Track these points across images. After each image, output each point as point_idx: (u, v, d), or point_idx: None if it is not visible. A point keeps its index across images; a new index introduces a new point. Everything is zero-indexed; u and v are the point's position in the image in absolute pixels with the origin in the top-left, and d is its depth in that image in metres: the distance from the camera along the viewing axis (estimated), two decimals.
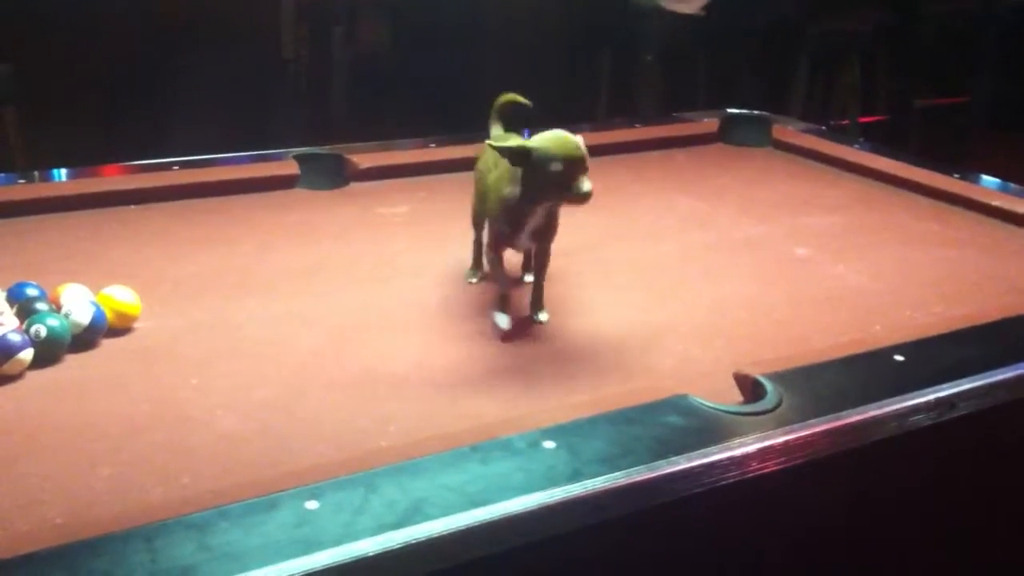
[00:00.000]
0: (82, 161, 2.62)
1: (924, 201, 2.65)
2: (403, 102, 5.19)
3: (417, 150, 2.83)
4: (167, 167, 2.59)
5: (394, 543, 1.17)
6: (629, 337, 1.89)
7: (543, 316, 1.92)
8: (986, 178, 2.73)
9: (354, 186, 2.64)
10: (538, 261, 1.93)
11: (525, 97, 2.10)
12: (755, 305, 2.04)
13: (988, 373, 1.67)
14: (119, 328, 1.82)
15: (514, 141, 1.82)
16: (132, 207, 2.43)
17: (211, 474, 1.38)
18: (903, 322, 1.90)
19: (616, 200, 2.61)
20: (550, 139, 1.75)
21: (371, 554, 1.15)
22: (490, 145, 1.82)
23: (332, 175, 2.63)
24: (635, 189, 2.75)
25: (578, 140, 1.74)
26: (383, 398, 1.63)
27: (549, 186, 1.74)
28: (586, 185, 1.71)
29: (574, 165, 1.71)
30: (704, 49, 5.46)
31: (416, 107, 5.20)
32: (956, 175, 2.73)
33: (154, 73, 4.70)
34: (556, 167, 1.71)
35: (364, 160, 2.68)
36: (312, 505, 1.22)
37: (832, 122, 6.08)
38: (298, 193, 2.59)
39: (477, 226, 2.10)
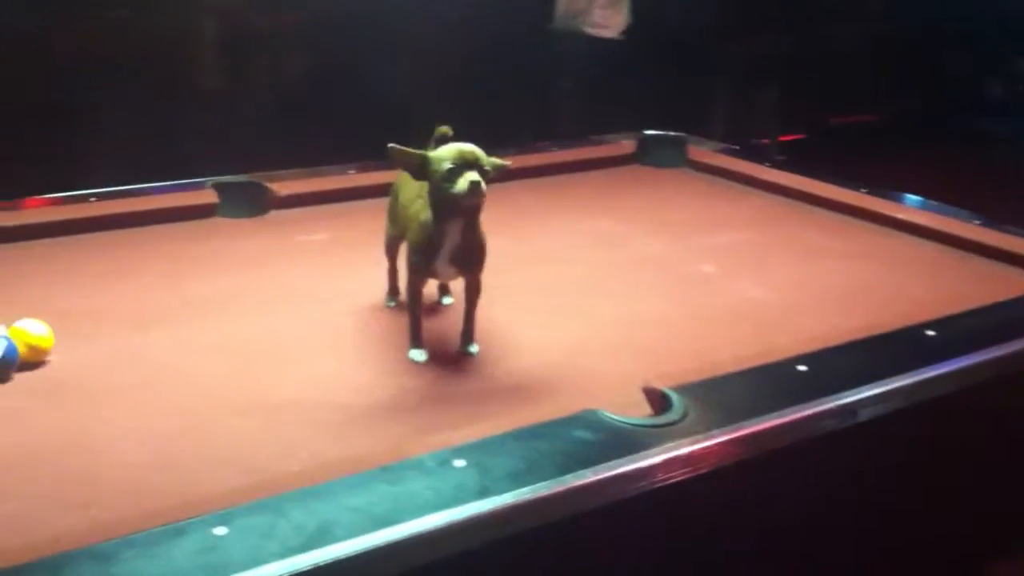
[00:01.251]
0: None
1: (830, 216, 2.74)
2: (328, 130, 5.19)
3: (337, 177, 2.84)
4: (84, 199, 2.57)
5: (301, 566, 1.18)
6: (543, 356, 1.92)
7: (474, 348, 1.92)
8: (890, 192, 2.81)
9: (274, 214, 2.65)
10: (468, 293, 1.93)
11: (448, 123, 2.10)
12: (663, 321, 2.09)
13: (887, 380, 1.73)
14: (32, 361, 1.80)
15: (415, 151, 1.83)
16: None
17: (119, 504, 1.38)
18: (804, 333, 1.95)
19: (533, 223, 2.66)
20: (446, 147, 1.79)
21: None
22: (392, 148, 1.79)
23: (251, 203, 2.64)
24: (552, 212, 2.79)
25: (474, 148, 1.77)
26: (296, 424, 1.64)
27: (442, 191, 1.76)
28: (465, 180, 1.73)
29: (462, 165, 1.74)
30: (625, 72, 5.55)
31: (340, 134, 5.20)
32: (863, 190, 2.81)
33: (75, 105, 4.65)
34: (445, 167, 1.74)
35: (283, 188, 2.69)
36: (220, 531, 1.23)
37: (753, 141, 6.22)
38: (217, 222, 2.59)
39: (391, 254, 2.11)
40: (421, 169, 1.79)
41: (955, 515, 2.00)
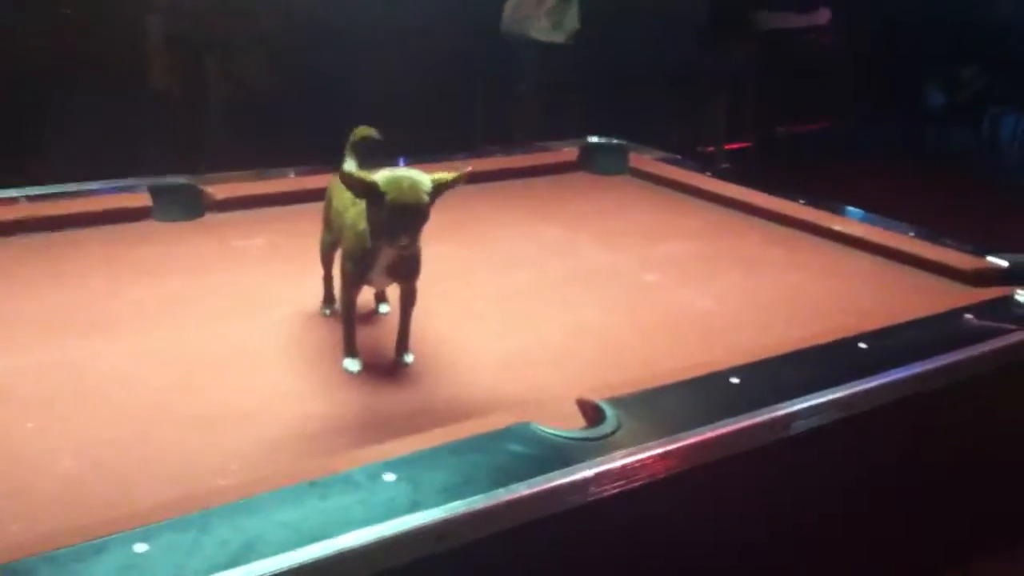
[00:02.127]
0: None
1: (772, 227, 2.76)
2: (279, 132, 5.15)
3: (277, 180, 2.81)
4: (13, 201, 2.51)
5: None
6: (483, 367, 1.91)
7: (408, 358, 1.91)
8: (830, 203, 2.84)
9: (210, 217, 2.61)
10: (404, 301, 1.91)
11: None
12: (605, 332, 2.09)
13: (821, 392, 1.74)
14: None
15: (365, 174, 1.79)
16: None
17: (43, 518, 1.35)
18: (744, 345, 1.97)
19: (477, 230, 2.65)
20: (392, 180, 1.71)
21: None
22: (341, 172, 1.77)
23: (187, 206, 2.60)
24: (497, 219, 2.79)
25: (418, 194, 1.70)
26: (229, 435, 1.61)
27: (378, 225, 1.74)
28: (396, 245, 1.71)
29: (398, 213, 1.69)
30: (575, 78, 5.56)
31: (291, 137, 5.17)
32: (801, 201, 2.84)
33: (23, 103, 4.57)
34: (385, 213, 1.70)
35: (221, 191, 2.65)
36: (141, 548, 1.20)
37: (700, 148, 6.26)
38: (151, 225, 2.54)
39: (326, 261, 2.09)
40: (367, 193, 1.73)
41: (907, 523, 2.02)
